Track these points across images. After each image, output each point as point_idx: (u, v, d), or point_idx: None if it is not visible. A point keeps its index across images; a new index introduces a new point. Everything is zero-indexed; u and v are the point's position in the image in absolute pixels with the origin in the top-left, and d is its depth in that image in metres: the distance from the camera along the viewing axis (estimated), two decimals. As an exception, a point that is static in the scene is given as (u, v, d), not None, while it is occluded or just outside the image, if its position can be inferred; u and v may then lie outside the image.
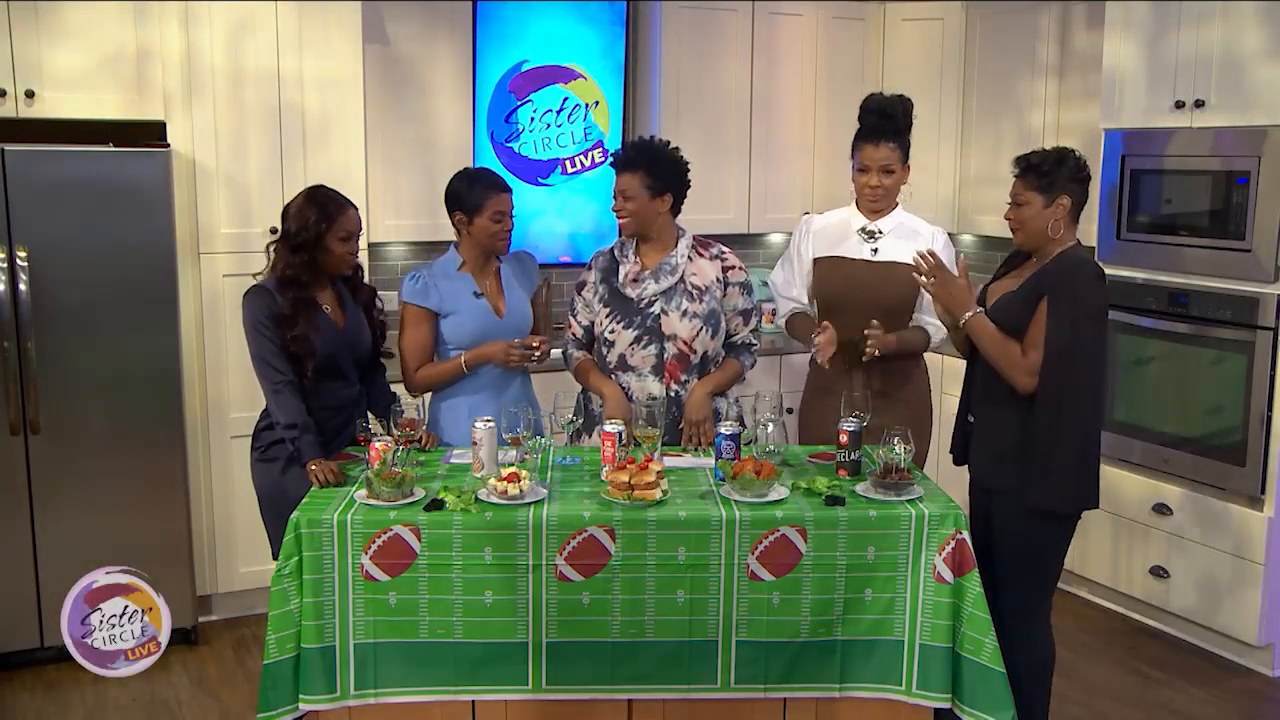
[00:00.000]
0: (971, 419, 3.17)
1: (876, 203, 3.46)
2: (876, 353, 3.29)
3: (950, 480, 3.43)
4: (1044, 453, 2.94)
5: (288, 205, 3.21)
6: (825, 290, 3.50)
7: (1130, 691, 3.98)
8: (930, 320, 3.46)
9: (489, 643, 2.76)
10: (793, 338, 3.67)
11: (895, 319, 3.44)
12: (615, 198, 3.38)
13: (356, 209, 3.25)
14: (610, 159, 3.43)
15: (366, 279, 3.50)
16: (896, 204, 3.51)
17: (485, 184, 3.40)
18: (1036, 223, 3.01)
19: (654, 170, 3.34)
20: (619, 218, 3.39)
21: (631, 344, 3.38)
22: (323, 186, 3.26)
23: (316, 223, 3.14)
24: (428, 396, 3.46)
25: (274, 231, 3.42)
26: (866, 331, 3.30)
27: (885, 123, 3.39)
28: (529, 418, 2.97)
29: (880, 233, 3.47)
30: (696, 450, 3.28)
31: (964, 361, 3.25)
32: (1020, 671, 3.11)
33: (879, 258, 3.46)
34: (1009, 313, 3.00)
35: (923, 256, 3.06)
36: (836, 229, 3.54)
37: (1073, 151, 3.02)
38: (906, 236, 3.46)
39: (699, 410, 3.33)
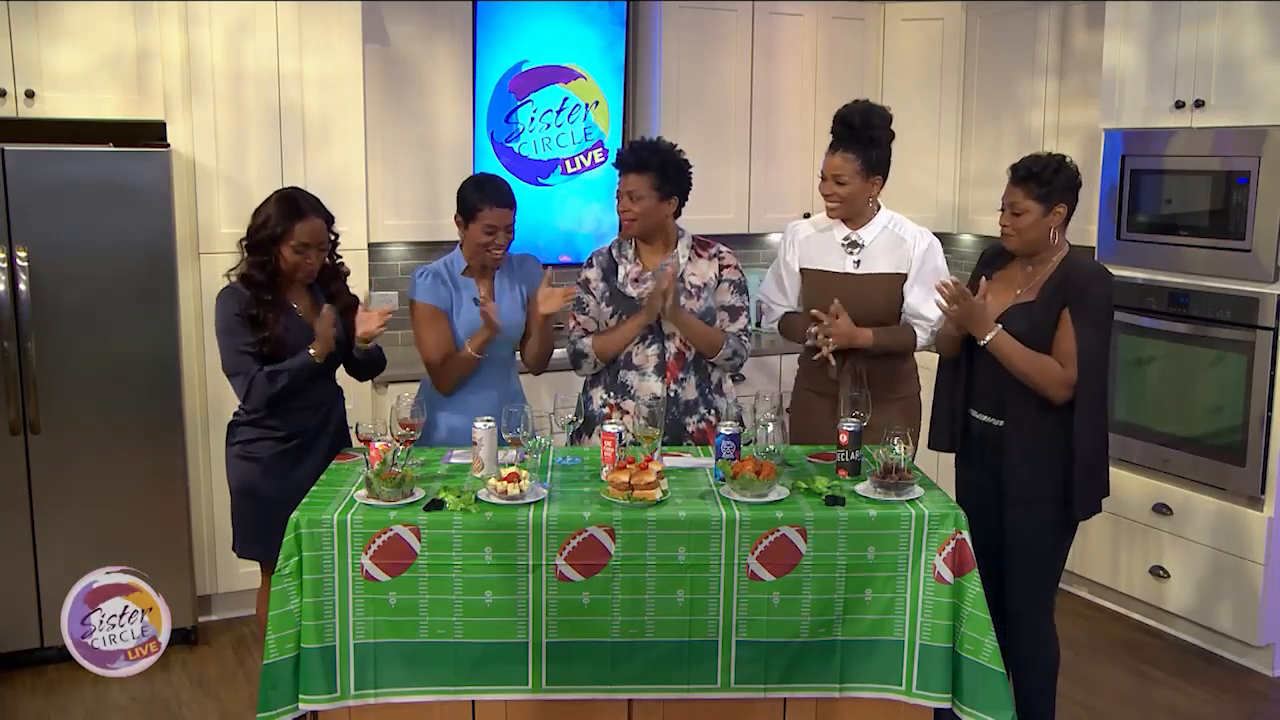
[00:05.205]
0: (999, 421, 3.09)
1: (832, 211, 3.43)
2: (829, 351, 3.31)
3: (942, 479, 3.42)
4: (1083, 459, 2.98)
5: (264, 201, 3.17)
6: (811, 303, 3.47)
7: (1130, 691, 3.97)
8: (919, 321, 3.44)
9: (489, 643, 2.75)
10: (788, 339, 3.66)
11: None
12: (621, 198, 3.36)
13: (326, 220, 3.16)
14: (616, 160, 3.41)
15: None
16: (879, 208, 3.47)
17: (488, 193, 3.29)
18: (1034, 232, 3.01)
19: (664, 172, 3.34)
20: (624, 219, 3.38)
21: (635, 342, 3.39)
22: (298, 190, 3.22)
23: (273, 226, 3.09)
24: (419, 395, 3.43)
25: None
26: (815, 329, 3.36)
27: (844, 131, 3.36)
28: (529, 418, 2.97)
29: (862, 243, 3.44)
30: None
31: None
32: (1028, 671, 3.12)
33: (862, 270, 3.43)
34: (1029, 324, 2.98)
35: (944, 285, 3.01)
36: (820, 239, 3.51)
37: (1066, 159, 3.03)
38: (891, 244, 3.43)
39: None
